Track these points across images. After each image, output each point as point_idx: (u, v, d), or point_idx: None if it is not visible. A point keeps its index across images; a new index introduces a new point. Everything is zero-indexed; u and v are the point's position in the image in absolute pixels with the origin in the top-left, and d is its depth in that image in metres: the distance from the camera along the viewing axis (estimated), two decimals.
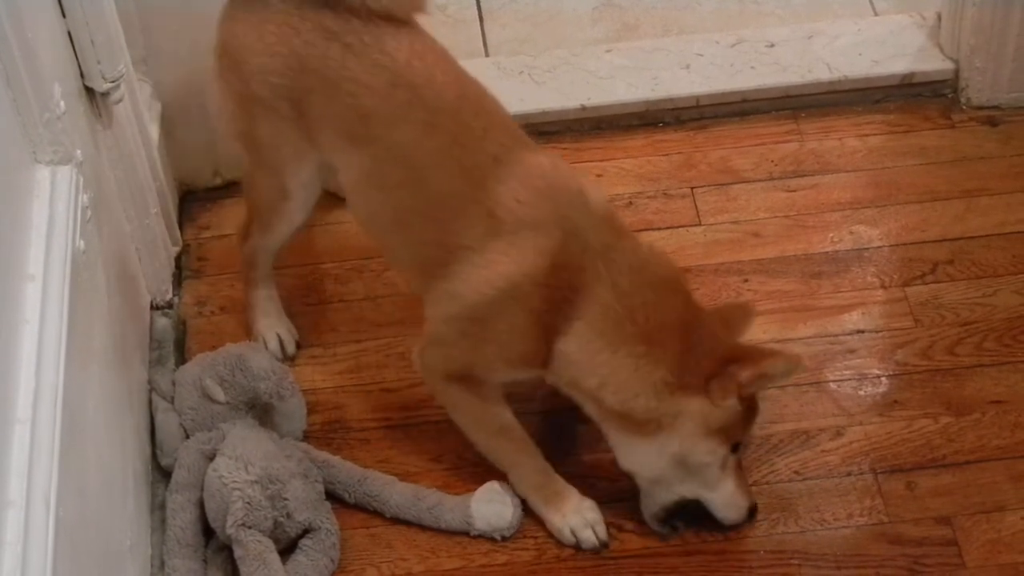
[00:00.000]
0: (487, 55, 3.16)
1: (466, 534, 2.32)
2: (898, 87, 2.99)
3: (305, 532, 2.29)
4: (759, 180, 2.86)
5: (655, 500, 2.25)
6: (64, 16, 2.22)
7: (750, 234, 2.76)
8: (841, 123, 2.97)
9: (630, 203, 2.81)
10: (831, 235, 2.75)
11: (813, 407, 2.47)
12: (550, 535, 2.31)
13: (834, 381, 2.51)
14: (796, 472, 2.38)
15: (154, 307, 2.63)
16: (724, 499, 2.23)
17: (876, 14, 3.18)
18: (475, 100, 2.24)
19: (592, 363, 2.14)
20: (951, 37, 2.95)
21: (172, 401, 2.43)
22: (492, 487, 2.33)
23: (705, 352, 2.12)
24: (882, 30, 3.07)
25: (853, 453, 2.40)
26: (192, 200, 2.88)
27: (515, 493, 2.32)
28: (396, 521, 2.35)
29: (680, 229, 2.76)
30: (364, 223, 2.41)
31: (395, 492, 2.35)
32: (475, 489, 2.34)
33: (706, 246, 2.74)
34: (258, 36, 2.27)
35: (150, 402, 2.44)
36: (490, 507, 2.31)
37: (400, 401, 2.52)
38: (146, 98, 2.64)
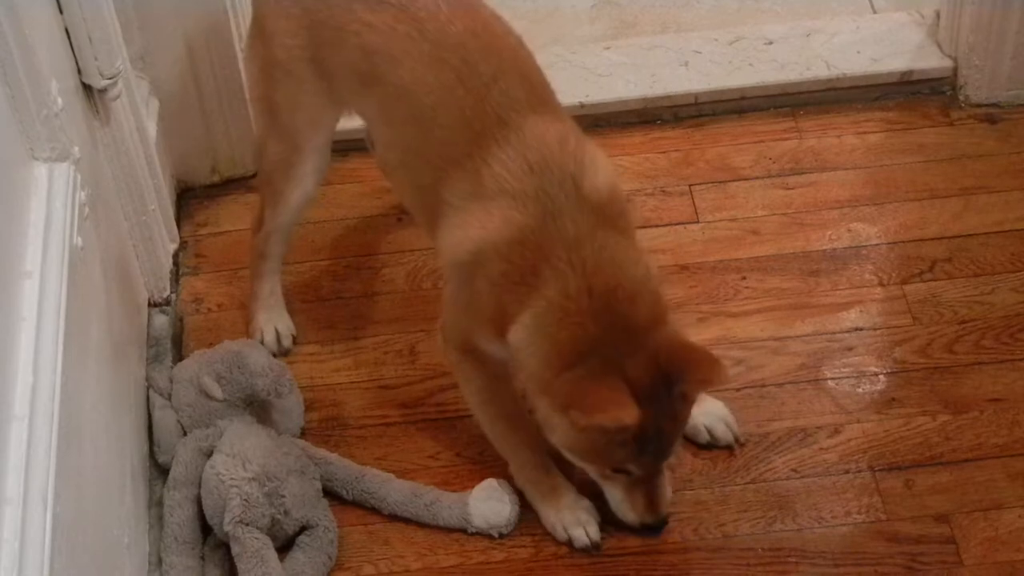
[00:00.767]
0: None
1: (464, 531, 2.32)
2: (897, 85, 2.99)
3: (303, 529, 2.29)
4: (757, 177, 2.86)
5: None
6: (61, 12, 2.22)
7: (748, 232, 2.76)
8: (840, 121, 2.96)
9: (628, 200, 2.81)
10: (829, 233, 2.75)
11: (811, 405, 2.47)
12: (548, 533, 2.31)
13: (832, 379, 2.51)
14: (794, 470, 2.38)
15: (152, 304, 2.63)
16: (612, 504, 2.24)
17: (875, 11, 3.18)
18: (486, 38, 2.17)
19: (521, 357, 2.11)
20: (950, 34, 2.95)
21: (169, 398, 2.43)
22: (490, 484, 2.33)
23: (591, 377, 2.02)
24: (881, 27, 3.07)
25: (851, 451, 2.40)
26: (190, 197, 2.88)
27: (513, 490, 2.32)
28: (394, 518, 2.35)
29: (678, 226, 2.76)
30: (382, 167, 2.41)
31: (393, 489, 2.35)
32: (473, 486, 2.34)
33: (704, 244, 2.74)
34: (275, 1, 2.31)
35: (147, 399, 2.44)
36: (488, 505, 2.31)
37: (398, 398, 2.52)
38: (144, 95, 2.64)
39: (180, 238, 2.78)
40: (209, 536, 2.31)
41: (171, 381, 2.44)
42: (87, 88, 2.31)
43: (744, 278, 2.67)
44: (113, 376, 2.25)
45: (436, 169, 2.17)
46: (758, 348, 2.55)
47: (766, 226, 2.77)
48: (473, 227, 2.11)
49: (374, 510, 2.35)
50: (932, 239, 2.72)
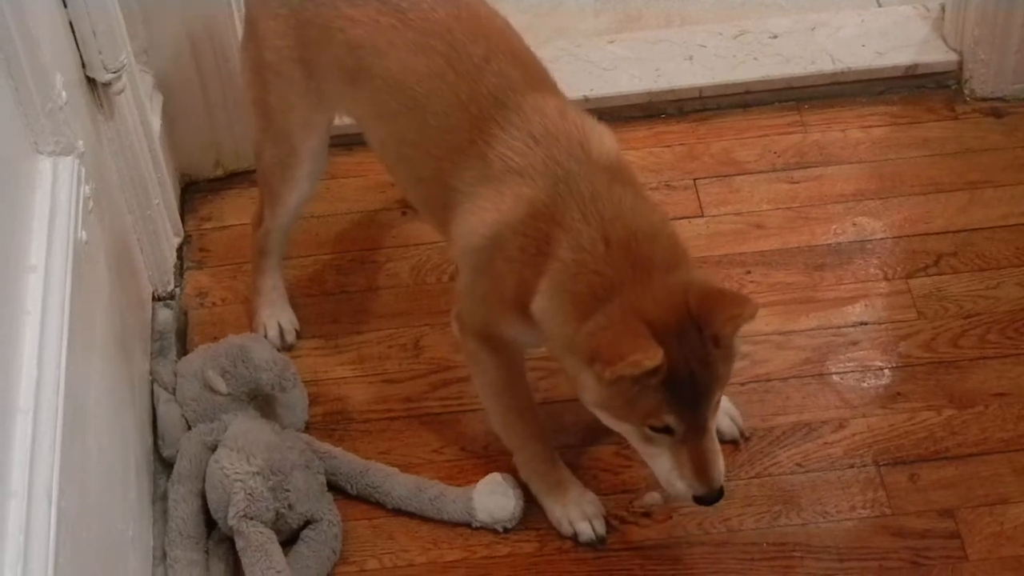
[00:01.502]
0: None
1: (468, 526, 2.32)
2: (902, 78, 2.99)
3: (307, 523, 2.29)
4: (762, 171, 2.86)
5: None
6: (66, 6, 2.22)
7: (753, 226, 2.75)
8: (844, 115, 2.96)
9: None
10: (834, 227, 2.74)
11: (816, 399, 2.47)
12: (552, 527, 2.31)
13: (837, 373, 2.50)
14: (799, 464, 2.38)
15: (156, 298, 2.63)
16: (661, 477, 2.08)
17: (879, 5, 3.18)
18: (471, 22, 2.16)
19: (545, 325, 2.06)
20: (955, 28, 2.95)
21: (174, 392, 2.43)
22: (494, 479, 2.33)
23: (609, 324, 1.96)
24: (885, 21, 3.06)
25: (856, 445, 2.40)
26: (194, 191, 2.88)
27: (517, 484, 2.32)
28: (398, 512, 2.35)
29: (683, 220, 2.75)
30: (382, 161, 2.39)
31: (397, 483, 2.35)
32: (477, 481, 2.34)
33: (709, 238, 2.74)
34: (263, 2, 2.31)
35: (152, 393, 2.44)
36: (492, 499, 2.31)
37: (402, 392, 2.52)
38: (148, 89, 2.64)
39: (184, 232, 2.77)
40: (213, 530, 2.31)
41: (175, 375, 2.44)
42: (91, 82, 2.31)
43: (749, 272, 2.67)
44: (117, 370, 2.25)
45: (437, 159, 2.16)
46: (763, 342, 2.55)
47: (771, 220, 2.76)
48: (487, 211, 2.09)
49: (378, 504, 2.35)
50: (937, 233, 2.72)
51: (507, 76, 2.12)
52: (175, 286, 2.67)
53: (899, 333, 2.56)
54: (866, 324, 2.57)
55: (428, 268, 2.71)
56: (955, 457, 2.37)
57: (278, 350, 2.47)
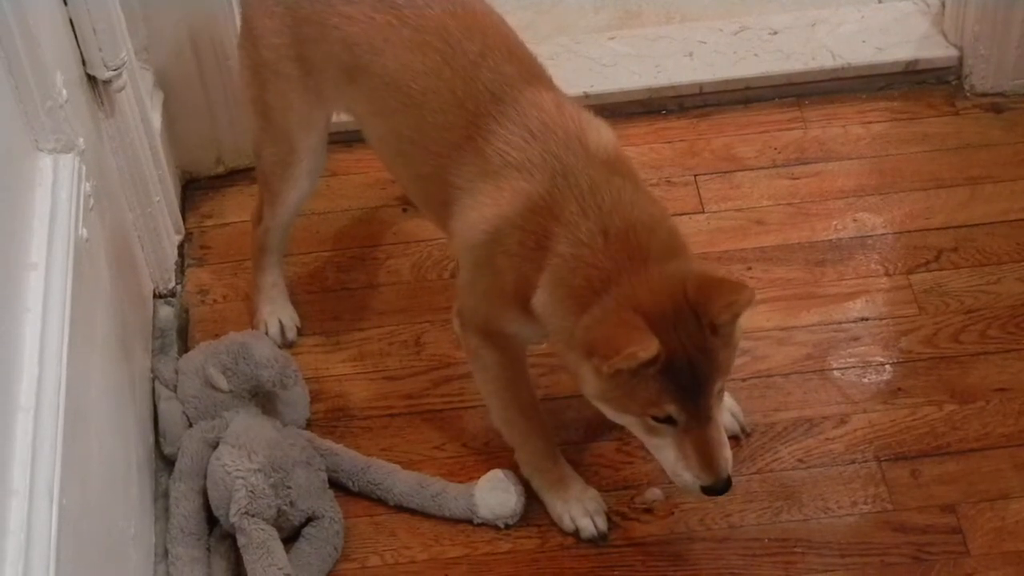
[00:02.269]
0: None
1: (470, 522, 2.32)
2: (902, 74, 2.99)
3: (308, 520, 2.29)
4: (762, 168, 2.86)
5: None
6: (66, 4, 2.22)
7: (753, 222, 2.76)
8: (845, 110, 2.96)
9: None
10: (835, 223, 2.74)
11: (817, 395, 2.47)
12: (554, 523, 2.31)
13: (838, 369, 2.50)
14: (800, 460, 2.38)
15: (157, 295, 2.63)
16: (668, 468, 2.07)
17: (879, 1, 3.17)
18: (466, 18, 2.17)
19: (546, 320, 2.06)
20: (955, 24, 2.95)
21: (175, 389, 2.43)
22: (496, 475, 2.33)
23: (604, 317, 1.96)
24: (886, 17, 3.06)
25: (857, 441, 2.40)
26: (195, 188, 2.88)
27: (519, 481, 2.32)
28: (400, 509, 2.35)
29: (683, 217, 2.75)
30: (381, 158, 2.39)
31: (398, 480, 2.35)
32: (479, 477, 2.34)
33: (709, 234, 2.74)
34: (259, 0, 2.31)
35: (153, 390, 2.44)
36: (494, 495, 2.31)
37: (403, 389, 2.52)
38: (148, 86, 2.64)
39: (185, 229, 2.78)
40: (215, 527, 2.31)
41: (176, 372, 2.44)
42: (92, 79, 2.31)
43: (750, 268, 2.67)
44: (118, 368, 2.25)
45: (435, 156, 2.16)
46: (764, 338, 2.55)
47: (771, 216, 2.76)
48: (486, 206, 2.09)
49: (380, 501, 2.35)
50: (938, 229, 2.72)
51: (503, 72, 2.13)
52: (176, 283, 2.67)
53: (900, 329, 2.56)
54: (867, 320, 2.57)
55: (429, 265, 2.71)
56: (956, 452, 2.37)
57: (279, 347, 2.48)
